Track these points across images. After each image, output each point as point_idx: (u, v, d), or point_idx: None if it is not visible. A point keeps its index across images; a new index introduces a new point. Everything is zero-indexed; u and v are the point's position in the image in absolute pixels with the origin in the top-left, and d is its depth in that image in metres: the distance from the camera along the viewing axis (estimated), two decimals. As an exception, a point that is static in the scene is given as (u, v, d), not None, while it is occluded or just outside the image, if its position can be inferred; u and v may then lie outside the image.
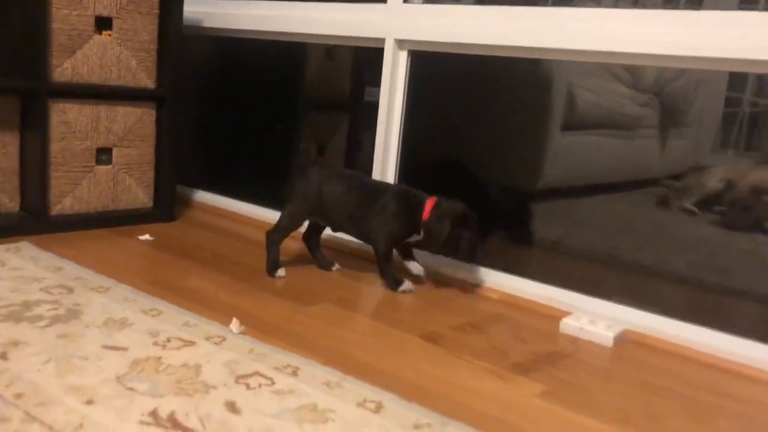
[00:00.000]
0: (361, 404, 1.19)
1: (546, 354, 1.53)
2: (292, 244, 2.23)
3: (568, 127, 2.13)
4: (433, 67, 2.22)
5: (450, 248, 1.81)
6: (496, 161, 2.24)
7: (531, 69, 2.08)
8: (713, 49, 1.57)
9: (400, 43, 2.07)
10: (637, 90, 2.14)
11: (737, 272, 1.80)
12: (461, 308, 1.78)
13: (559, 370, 1.45)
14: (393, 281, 1.85)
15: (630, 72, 2.13)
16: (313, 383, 1.24)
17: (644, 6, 2.11)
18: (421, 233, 1.82)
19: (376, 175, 2.14)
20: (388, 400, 1.21)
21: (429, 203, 1.81)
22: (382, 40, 2.07)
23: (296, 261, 2.05)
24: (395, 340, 1.53)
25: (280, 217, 1.89)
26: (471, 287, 1.94)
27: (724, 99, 1.92)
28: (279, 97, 2.69)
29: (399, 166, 2.15)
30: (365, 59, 2.34)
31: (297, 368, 1.30)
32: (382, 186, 1.89)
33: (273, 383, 1.23)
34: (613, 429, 1.21)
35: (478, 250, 1.82)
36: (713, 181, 1.91)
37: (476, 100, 2.25)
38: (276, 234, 1.88)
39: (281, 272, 1.86)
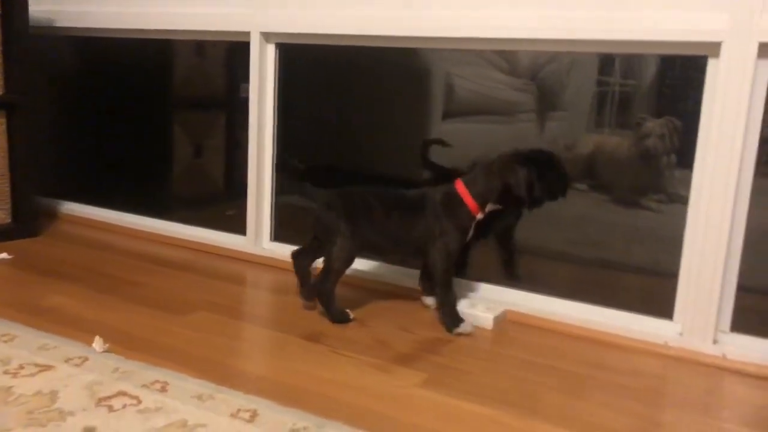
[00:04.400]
0: (234, 415, 1.13)
1: (429, 342, 1.52)
2: (147, 246, 2.13)
3: (448, 115, 2.14)
4: (307, 60, 2.17)
5: (530, 193, 1.57)
6: (380, 153, 2.22)
7: (408, 59, 2.08)
8: (584, 32, 1.59)
9: (267, 36, 2.00)
10: (513, 76, 2.18)
11: (613, 246, 1.87)
12: (344, 304, 1.74)
13: (441, 356, 1.45)
14: (452, 320, 1.59)
15: (505, 58, 2.16)
16: (184, 398, 1.18)
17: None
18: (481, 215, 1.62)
19: (252, 172, 2.07)
20: (264, 407, 1.16)
21: (461, 188, 1.61)
22: (248, 34, 2.00)
23: (169, 265, 1.95)
24: (275, 343, 1.48)
25: (329, 259, 1.58)
26: (352, 281, 1.91)
27: (596, 81, 1.98)
28: (147, 97, 2.56)
29: (276, 163, 2.09)
30: (237, 54, 2.25)
31: (166, 383, 1.22)
32: (418, 198, 1.64)
33: (139, 402, 1.15)
34: (491, 411, 1.21)
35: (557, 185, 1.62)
36: (584, 148, 1.97)
37: (356, 92, 2.22)
38: (331, 279, 1.59)
39: (351, 314, 1.62)
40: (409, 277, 1.85)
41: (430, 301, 1.74)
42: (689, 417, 1.24)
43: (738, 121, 1.43)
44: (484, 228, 1.75)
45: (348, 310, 1.62)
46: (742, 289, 1.53)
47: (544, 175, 1.58)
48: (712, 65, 1.48)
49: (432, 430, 1.14)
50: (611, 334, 1.60)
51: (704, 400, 1.33)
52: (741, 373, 1.45)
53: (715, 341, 1.52)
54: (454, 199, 1.61)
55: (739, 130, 1.43)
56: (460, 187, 1.61)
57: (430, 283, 1.69)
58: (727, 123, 1.44)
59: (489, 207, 1.62)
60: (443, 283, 1.61)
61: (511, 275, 1.89)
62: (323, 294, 1.60)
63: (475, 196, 1.60)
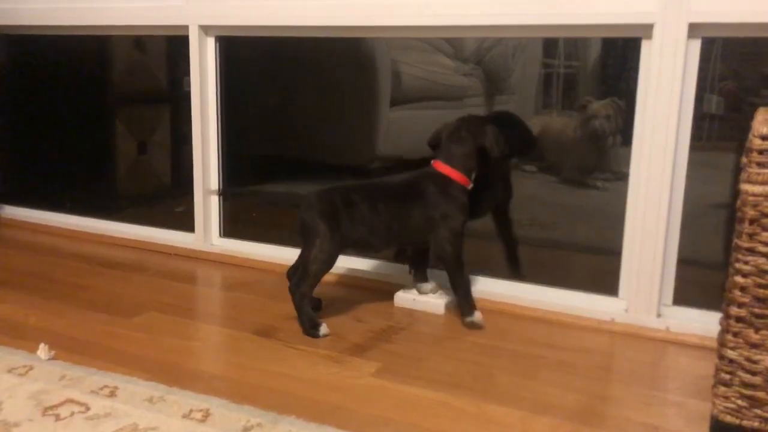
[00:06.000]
0: (186, 416, 1.12)
1: (382, 330, 1.53)
2: (92, 248, 2.09)
3: (396, 102, 2.15)
4: (251, 52, 2.14)
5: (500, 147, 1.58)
6: (329, 143, 2.21)
7: (354, 48, 2.07)
8: (522, 17, 1.59)
9: (206, 29, 1.97)
10: (459, 61, 2.19)
11: (560, 226, 1.91)
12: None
13: (394, 344, 1.46)
14: (469, 307, 1.56)
15: (451, 44, 2.17)
16: (134, 402, 1.16)
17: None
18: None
19: (197, 167, 2.03)
20: (217, 405, 1.16)
21: (442, 167, 1.58)
22: (186, 28, 1.96)
23: (116, 267, 1.92)
24: (227, 340, 1.47)
25: (307, 262, 1.50)
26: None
27: (541, 64, 2.00)
28: (87, 95, 2.49)
29: (222, 157, 2.06)
30: (179, 47, 2.21)
31: (116, 388, 1.20)
32: (404, 187, 1.60)
33: (88, 409, 1.13)
34: (443, 395, 1.23)
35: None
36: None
37: (302, 82, 2.20)
38: (307, 284, 1.50)
39: (325, 329, 1.49)
40: (359, 265, 1.85)
41: (426, 287, 1.69)
42: (635, 390, 1.28)
43: (672, 99, 1.47)
44: (473, 208, 1.72)
45: (322, 324, 1.49)
46: (683, 262, 1.58)
47: (508, 133, 1.61)
48: (645, 47, 1.51)
49: (386, 419, 1.15)
50: (560, 313, 1.63)
51: (650, 373, 1.37)
52: (684, 345, 1.50)
53: (659, 315, 1.56)
54: (444, 181, 1.57)
55: (674, 107, 1.47)
56: (442, 167, 1.58)
57: (423, 268, 1.68)
58: (662, 101, 1.48)
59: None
60: (456, 267, 1.57)
61: (514, 269, 1.86)
62: (296, 299, 1.50)
63: (460, 168, 1.58)
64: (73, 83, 2.48)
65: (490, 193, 1.82)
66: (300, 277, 1.52)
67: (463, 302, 1.57)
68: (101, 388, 1.20)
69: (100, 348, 1.39)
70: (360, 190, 1.56)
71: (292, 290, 1.52)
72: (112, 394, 1.18)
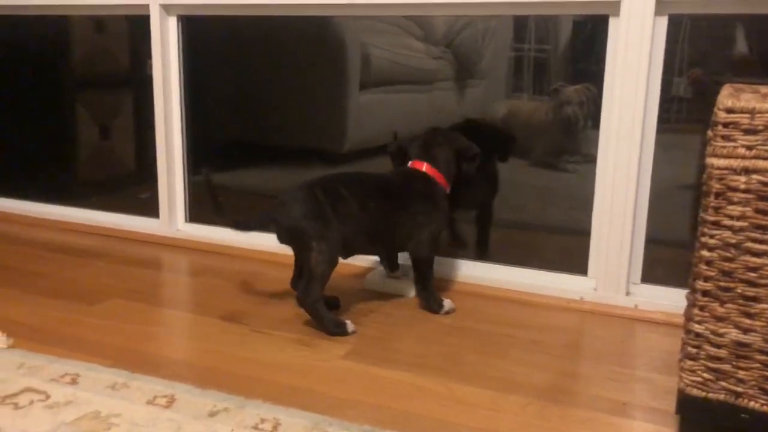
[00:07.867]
0: (150, 402, 1.09)
1: (351, 313, 1.51)
2: (53, 235, 2.04)
3: (365, 86, 2.12)
4: (216, 32, 2.09)
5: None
6: (297, 127, 2.18)
7: (322, 29, 2.03)
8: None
9: (167, 8, 1.92)
10: (429, 44, 2.16)
11: (528, 208, 1.91)
12: (266, 281, 1.72)
13: (364, 327, 1.44)
14: (437, 302, 1.54)
15: (421, 26, 2.15)
16: (96, 389, 1.13)
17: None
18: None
19: (161, 152, 1.99)
20: (182, 391, 1.13)
21: (424, 167, 1.56)
22: (147, 7, 1.91)
23: (77, 254, 1.87)
24: (192, 326, 1.44)
25: (310, 267, 1.41)
26: (263, 256, 1.87)
27: (512, 48, 1.99)
28: (46, 78, 2.42)
29: (186, 142, 2.01)
30: (141, 28, 2.15)
31: (77, 375, 1.17)
32: (395, 180, 1.57)
33: (48, 397, 1.10)
34: (412, 377, 1.22)
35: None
36: (499, 115, 2.00)
37: (270, 65, 2.16)
38: (316, 288, 1.41)
39: (351, 325, 1.42)
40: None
41: (397, 271, 1.68)
42: (604, 368, 1.28)
43: (639, 78, 1.47)
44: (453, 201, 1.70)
45: (347, 321, 1.42)
46: (653, 241, 1.58)
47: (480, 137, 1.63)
48: (613, 24, 1.50)
49: (355, 401, 1.14)
50: (530, 293, 1.63)
51: (618, 350, 1.37)
52: (652, 322, 1.51)
53: (627, 293, 1.57)
54: (431, 184, 1.55)
55: (641, 86, 1.47)
56: (429, 170, 1.55)
57: (394, 261, 1.66)
58: (629, 80, 1.48)
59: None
60: (429, 269, 1.55)
61: (482, 252, 1.85)
62: (309, 306, 1.41)
63: (444, 173, 1.57)
64: (32, 67, 2.41)
65: (471, 193, 1.82)
66: (307, 282, 1.42)
67: (430, 299, 1.54)
68: (62, 376, 1.16)
69: (61, 336, 1.36)
70: (348, 183, 1.48)
71: (302, 299, 1.42)
72: (73, 382, 1.15)
